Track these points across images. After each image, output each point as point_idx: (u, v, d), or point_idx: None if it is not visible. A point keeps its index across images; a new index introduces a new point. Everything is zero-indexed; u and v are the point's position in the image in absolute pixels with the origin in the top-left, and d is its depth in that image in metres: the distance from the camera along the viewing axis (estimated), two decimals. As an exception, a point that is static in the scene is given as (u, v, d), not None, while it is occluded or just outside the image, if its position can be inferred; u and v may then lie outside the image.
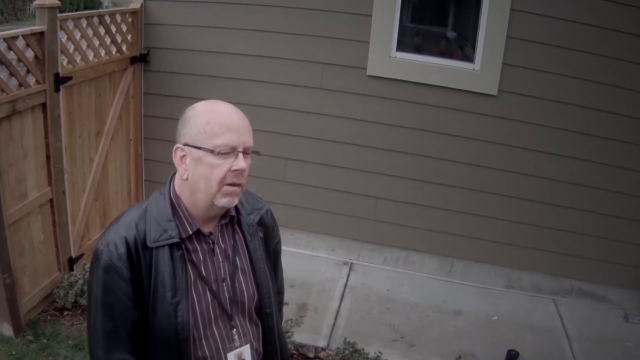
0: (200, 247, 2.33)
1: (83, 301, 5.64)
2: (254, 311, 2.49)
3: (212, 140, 2.18)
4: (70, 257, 6.02)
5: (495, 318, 6.33)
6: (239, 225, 2.48)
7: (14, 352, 5.12)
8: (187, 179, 2.27)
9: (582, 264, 6.64)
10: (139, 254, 2.22)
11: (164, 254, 2.23)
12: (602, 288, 6.75)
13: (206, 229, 2.35)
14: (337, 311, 6.19)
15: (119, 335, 2.23)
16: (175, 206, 2.31)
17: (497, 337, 6.00)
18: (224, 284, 2.37)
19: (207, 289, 2.32)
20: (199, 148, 2.19)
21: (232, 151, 2.20)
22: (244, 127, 2.25)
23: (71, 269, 6.02)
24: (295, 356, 5.46)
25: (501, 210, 6.62)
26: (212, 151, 2.17)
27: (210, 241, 2.36)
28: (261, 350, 2.53)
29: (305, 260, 7.02)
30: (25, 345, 5.24)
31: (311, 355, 5.52)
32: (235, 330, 2.39)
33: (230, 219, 2.44)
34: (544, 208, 6.53)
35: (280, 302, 2.88)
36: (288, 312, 5.87)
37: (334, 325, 5.97)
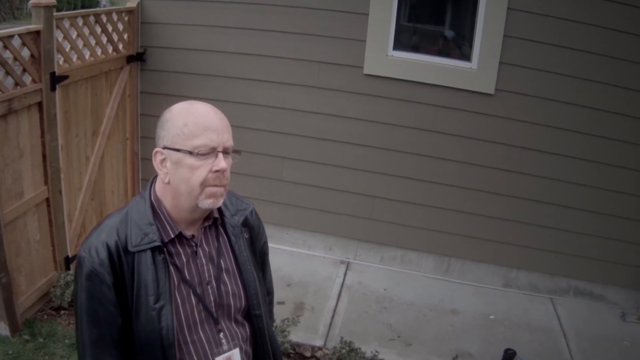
0: (183, 250, 2.31)
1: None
2: (243, 313, 2.46)
3: (190, 142, 2.15)
4: (67, 257, 6.02)
5: (492, 317, 6.33)
6: (223, 227, 2.45)
7: (10, 352, 5.12)
8: (168, 182, 2.24)
9: (579, 263, 6.64)
10: (120, 258, 2.19)
11: (146, 258, 2.20)
12: (599, 287, 6.75)
13: (188, 232, 2.32)
14: (334, 310, 6.19)
15: (104, 342, 2.21)
16: (156, 209, 2.29)
17: (494, 336, 6.00)
18: (209, 286, 2.34)
19: (192, 292, 2.29)
20: (178, 150, 2.17)
21: (211, 152, 2.17)
22: (222, 126, 2.22)
23: (68, 268, 6.02)
24: (292, 355, 5.45)
25: (499, 209, 6.62)
26: (191, 152, 2.15)
27: (193, 244, 2.33)
28: (251, 353, 2.50)
29: (301, 259, 7.00)
30: (22, 345, 5.24)
31: (308, 354, 5.52)
32: (222, 333, 2.36)
33: (214, 221, 2.41)
34: (541, 207, 6.54)
35: (270, 304, 2.85)
36: (284, 311, 5.87)
37: (330, 324, 5.97)
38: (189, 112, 2.21)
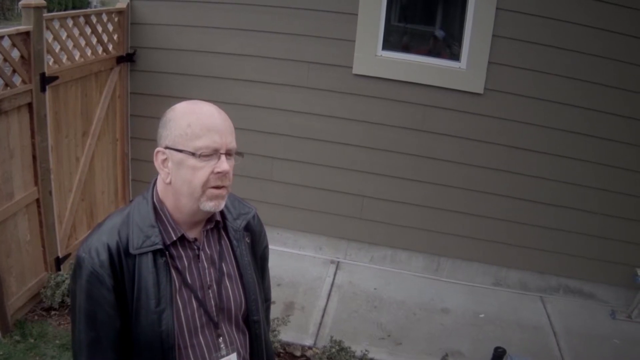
0: (185, 254, 2.28)
1: (70, 301, 5.64)
2: (241, 319, 2.44)
3: (193, 143, 2.12)
4: (57, 257, 6.01)
5: (482, 316, 6.35)
6: (225, 230, 2.43)
7: (1, 353, 5.10)
8: (170, 183, 2.21)
9: (569, 261, 6.67)
10: (121, 261, 2.15)
11: (147, 261, 2.17)
12: (589, 285, 6.78)
13: (191, 235, 2.29)
14: (324, 310, 6.21)
15: (101, 344, 2.18)
16: (158, 211, 2.25)
17: (485, 334, 6.02)
18: (210, 291, 2.31)
19: (193, 297, 2.27)
20: (180, 151, 2.14)
21: (214, 153, 2.14)
22: (226, 128, 2.18)
23: (58, 269, 6.02)
24: (282, 355, 5.46)
25: (489, 208, 6.64)
26: (193, 154, 2.12)
27: (195, 247, 2.30)
28: (248, 358, 2.48)
29: (292, 259, 7.04)
30: (13, 346, 5.23)
31: (298, 353, 5.53)
32: (221, 338, 2.34)
33: (216, 224, 2.38)
34: (531, 206, 6.56)
35: (267, 310, 2.84)
36: (275, 310, 5.88)
37: (320, 323, 5.98)
38: (192, 112, 2.17)
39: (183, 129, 2.14)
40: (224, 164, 2.15)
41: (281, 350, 5.47)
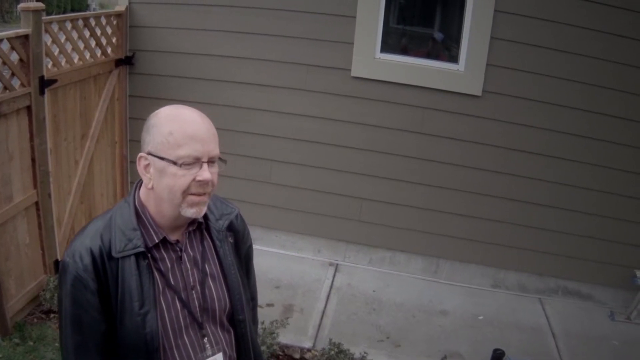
0: (167, 256, 2.30)
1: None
2: (226, 318, 2.46)
3: (174, 151, 2.13)
4: (57, 260, 6.00)
5: (481, 317, 6.35)
6: (208, 231, 2.44)
7: (0, 355, 5.10)
8: (152, 188, 2.23)
9: (567, 263, 6.67)
10: (104, 264, 2.18)
11: (130, 264, 2.19)
12: (588, 287, 6.78)
13: (173, 237, 2.31)
14: (323, 312, 6.20)
15: (88, 348, 2.20)
16: (140, 214, 2.27)
17: (483, 336, 6.02)
18: (194, 291, 2.33)
19: (176, 298, 2.28)
20: (162, 159, 2.15)
21: (196, 162, 2.15)
22: (208, 135, 2.19)
23: (57, 272, 6.00)
24: (280, 357, 5.46)
25: (486, 210, 6.64)
26: (175, 163, 2.13)
27: (178, 249, 2.32)
28: (235, 357, 2.50)
29: (290, 261, 7.01)
30: (12, 349, 5.23)
31: (297, 356, 5.53)
32: (206, 338, 2.36)
33: (198, 226, 2.40)
34: (530, 208, 6.56)
35: (254, 309, 2.84)
36: (273, 313, 5.89)
37: (319, 326, 5.98)
38: (174, 120, 2.18)
39: (165, 136, 2.15)
40: (206, 173, 2.17)
41: (280, 353, 5.48)
